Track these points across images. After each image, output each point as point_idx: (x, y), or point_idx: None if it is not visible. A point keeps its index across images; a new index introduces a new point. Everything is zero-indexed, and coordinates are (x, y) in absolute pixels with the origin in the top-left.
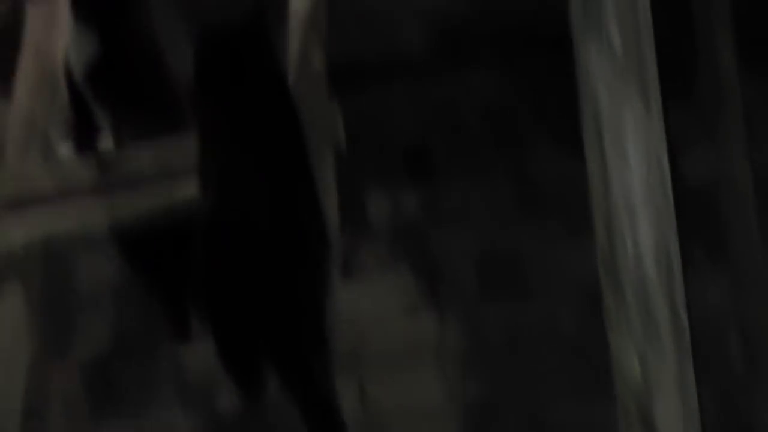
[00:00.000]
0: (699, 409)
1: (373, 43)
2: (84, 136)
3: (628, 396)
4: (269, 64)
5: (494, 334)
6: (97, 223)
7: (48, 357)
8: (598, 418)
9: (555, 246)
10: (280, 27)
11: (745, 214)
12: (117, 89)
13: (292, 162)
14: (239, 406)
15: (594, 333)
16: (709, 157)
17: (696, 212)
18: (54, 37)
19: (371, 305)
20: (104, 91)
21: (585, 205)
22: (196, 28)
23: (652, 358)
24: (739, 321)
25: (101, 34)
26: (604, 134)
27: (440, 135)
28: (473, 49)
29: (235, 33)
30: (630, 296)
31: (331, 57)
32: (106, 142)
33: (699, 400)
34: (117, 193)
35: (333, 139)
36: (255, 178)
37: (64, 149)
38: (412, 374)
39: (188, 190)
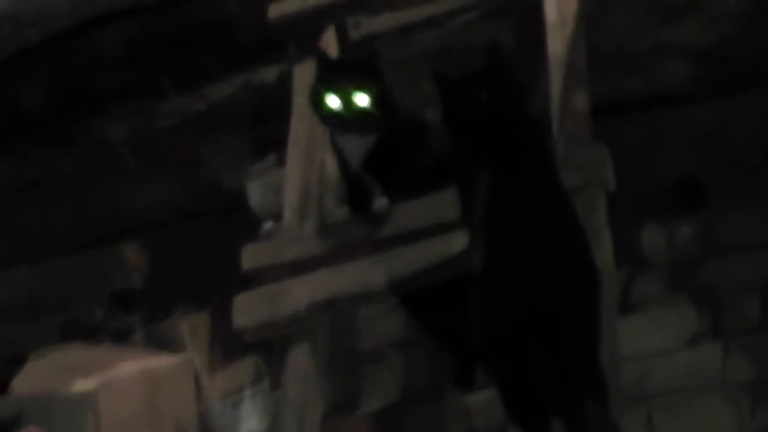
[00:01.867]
0: None
1: (636, 79)
2: (357, 198)
3: None
4: (518, 105)
5: None
6: (377, 281)
7: (339, 411)
8: None
9: None
10: (540, 71)
11: None
12: (386, 157)
13: (553, 203)
14: None
15: None
16: None
17: None
18: None
19: (653, 339)
20: (375, 163)
21: None
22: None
23: None
24: None
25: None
26: None
27: (711, 164)
28: (737, 77)
29: (479, 77)
30: None
31: (596, 96)
32: (378, 202)
33: None
34: (393, 250)
35: (602, 178)
36: (521, 225)
37: (339, 211)
38: (700, 406)
39: (460, 241)
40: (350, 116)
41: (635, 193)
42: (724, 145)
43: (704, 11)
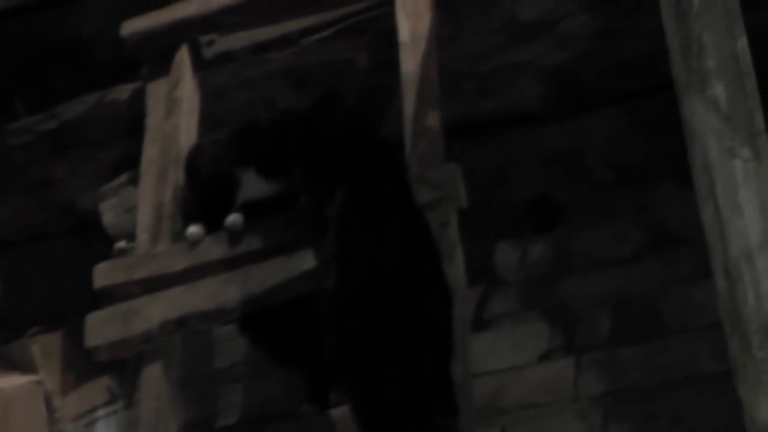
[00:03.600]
0: None
1: (490, 99)
2: (211, 216)
3: None
4: (363, 129)
5: (632, 375)
6: (229, 299)
7: (194, 430)
8: None
9: (688, 285)
10: (393, 90)
11: None
12: None
13: (406, 221)
14: None
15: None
16: None
17: None
18: (175, 120)
19: (507, 355)
20: None
21: None
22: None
23: None
24: None
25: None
26: (716, 186)
27: (564, 182)
28: (588, 96)
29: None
30: (755, 345)
31: (450, 116)
32: (231, 218)
33: None
34: (245, 268)
35: (454, 195)
36: (373, 242)
37: (192, 230)
38: (553, 420)
39: (310, 259)
40: None
41: (489, 211)
42: (577, 164)
43: (555, 31)
